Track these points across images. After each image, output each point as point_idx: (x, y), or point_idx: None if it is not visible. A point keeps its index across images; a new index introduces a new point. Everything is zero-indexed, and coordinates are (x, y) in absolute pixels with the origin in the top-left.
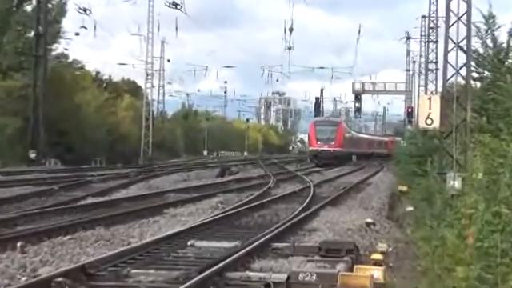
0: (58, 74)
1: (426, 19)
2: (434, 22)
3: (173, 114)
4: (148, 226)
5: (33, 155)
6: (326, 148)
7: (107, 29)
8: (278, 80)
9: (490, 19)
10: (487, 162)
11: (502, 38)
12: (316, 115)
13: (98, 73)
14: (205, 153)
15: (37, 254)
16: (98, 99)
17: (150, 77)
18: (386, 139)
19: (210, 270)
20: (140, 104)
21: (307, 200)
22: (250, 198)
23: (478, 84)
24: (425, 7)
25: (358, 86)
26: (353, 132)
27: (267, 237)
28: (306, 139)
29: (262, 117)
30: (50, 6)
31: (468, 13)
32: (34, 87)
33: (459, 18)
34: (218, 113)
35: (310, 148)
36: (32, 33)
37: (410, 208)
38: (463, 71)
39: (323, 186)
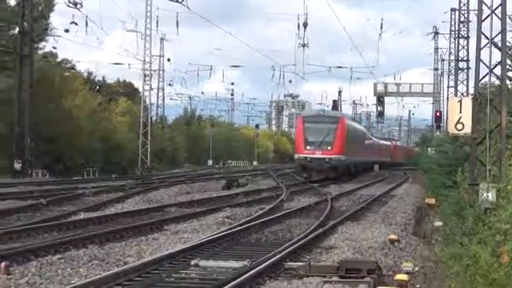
0: (46, 75)
1: (456, 12)
2: (465, 15)
3: (174, 120)
4: (147, 244)
5: (18, 165)
6: (319, 155)
7: (100, 25)
8: (290, 81)
9: None
10: None
11: None
12: None
13: (90, 74)
14: (209, 162)
15: (23, 276)
16: (91, 103)
17: (148, 78)
18: (388, 143)
19: None
20: (137, 108)
21: (324, 214)
22: (260, 212)
23: None
24: None
25: (380, 88)
26: (358, 129)
27: (279, 255)
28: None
29: (274, 122)
30: None
31: (503, 5)
32: (19, 90)
33: (493, 11)
34: (224, 118)
35: (297, 155)
36: (16, 29)
37: (439, 223)
38: (497, 70)
39: (341, 199)
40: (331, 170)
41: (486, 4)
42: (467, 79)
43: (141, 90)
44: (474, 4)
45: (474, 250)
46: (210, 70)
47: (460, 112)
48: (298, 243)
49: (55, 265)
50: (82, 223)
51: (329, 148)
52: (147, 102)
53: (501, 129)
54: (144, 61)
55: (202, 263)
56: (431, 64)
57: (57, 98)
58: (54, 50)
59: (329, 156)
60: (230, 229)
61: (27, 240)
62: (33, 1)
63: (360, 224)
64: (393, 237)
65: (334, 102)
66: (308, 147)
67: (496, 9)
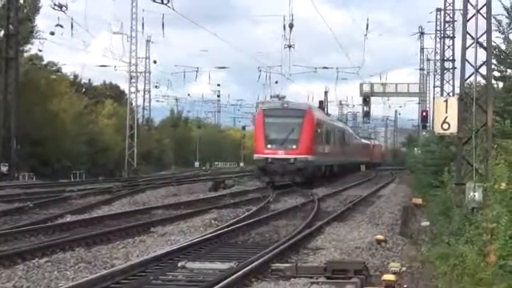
0: (32, 77)
1: (442, 12)
2: (451, 15)
3: (160, 122)
4: (134, 247)
5: (4, 168)
6: (282, 156)
7: (86, 27)
8: (277, 82)
9: None
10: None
11: None
12: None
13: (76, 76)
14: (196, 164)
15: (10, 279)
16: (77, 106)
17: (134, 80)
18: (367, 142)
19: None
20: (124, 111)
21: (311, 216)
22: (247, 213)
23: (500, 84)
24: None
25: (366, 88)
26: (331, 124)
27: (266, 257)
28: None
29: None
30: (21, 1)
31: (488, 5)
32: (4, 93)
33: (478, 11)
34: (210, 120)
35: (256, 156)
36: (2, 32)
37: (426, 223)
38: (483, 70)
39: (328, 200)
40: (296, 172)
41: (471, 4)
42: (453, 79)
43: (127, 92)
44: (459, 4)
45: (461, 249)
46: (197, 71)
47: (446, 112)
48: (285, 244)
49: (42, 268)
50: (69, 226)
51: (293, 147)
52: (133, 104)
53: (487, 128)
54: (130, 63)
55: (189, 265)
56: (417, 64)
57: (43, 100)
58: (39, 53)
59: (293, 156)
60: (217, 230)
61: (14, 243)
62: (18, 3)
63: (347, 225)
64: (380, 237)
65: (320, 102)
66: (269, 146)
67: (481, 8)
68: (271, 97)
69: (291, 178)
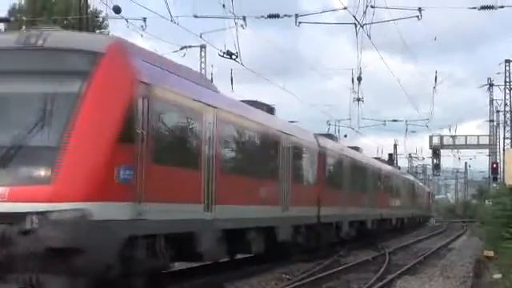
0: None
1: (511, 64)
2: None
3: None
4: None
5: None
6: None
7: None
8: (346, 136)
9: None
10: None
11: None
12: None
13: None
14: None
15: None
16: None
17: None
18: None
19: None
20: None
21: (382, 269)
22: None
23: None
24: (509, 50)
25: (435, 140)
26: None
27: None
28: None
29: None
30: None
31: None
32: None
33: None
34: None
35: None
36: None
37: (498, 275)
38: None
39: (399, 253)
40: None
41: None
42: None
43: None
44: None
45: None
46: None
47: None
48: None
49: None
50: None
51: None
52: None
53: None
54: None
55: None
56: (487, 116)
57: None
58: None
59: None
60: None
61: None
62: None
63: (418, 278)
64: None
65: (390, 155)
66: None
67: None
68: None
69: None
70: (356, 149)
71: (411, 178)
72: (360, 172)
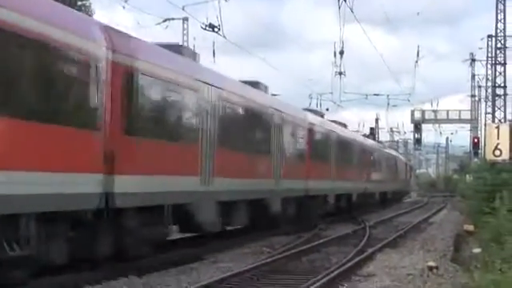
0: None
1: (493, 39)
2: (502, 42)
3: None
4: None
5: None
6: None
7: None
8: (328, 109)
9: None
10: None
11: None
12: None
13: None
14: None
15: None
16: None
17: None
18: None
19: None
20: None
21: (362, 242)
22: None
23: None
24: (492, 25)
25: (417, 115)
26: None
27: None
28: None
29: None
30: None
31: None
32: None
33: None
34: None
35: None
36: None
37: (477, 250)
38: None
39: (379, 227)
40: None
41: None
42: (505, 105)
43: None
44: (510, 30)
45: None
46: None
47: (498, 138)
48: (336, 271)
49: None
50: None
51: None
52: None
53: None
54: None
55: None
56: (469, 90)
57: None
58: None
59: None
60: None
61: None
62: None
63: (399, 251)
64: (431, 263)
65: (372, 129)
66: None
67: None
68: None
69: None
70: (343, 125)
71: (394, 152)
72: (346, 147)
